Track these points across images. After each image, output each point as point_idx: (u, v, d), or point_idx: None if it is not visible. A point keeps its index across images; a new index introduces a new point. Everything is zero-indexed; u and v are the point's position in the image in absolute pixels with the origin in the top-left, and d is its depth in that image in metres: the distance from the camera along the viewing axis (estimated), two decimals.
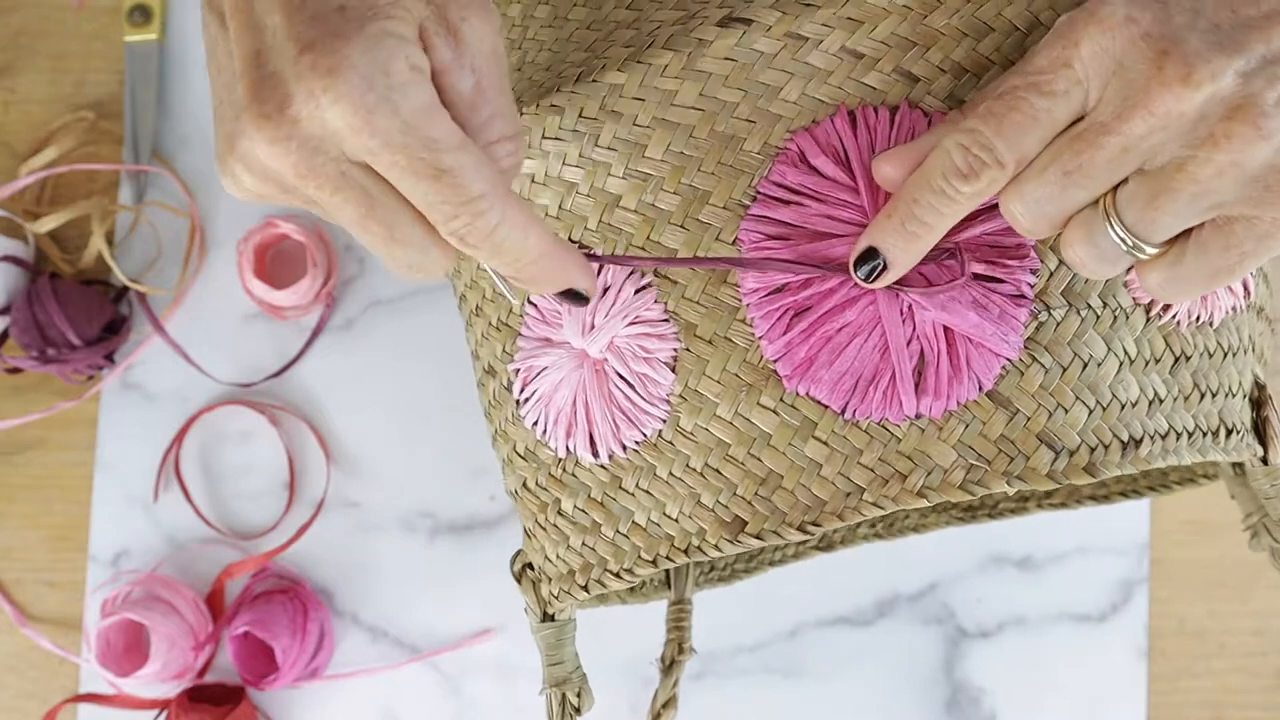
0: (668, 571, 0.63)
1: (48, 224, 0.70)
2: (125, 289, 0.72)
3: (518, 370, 0.47)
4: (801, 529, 0.41)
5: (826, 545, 0.66)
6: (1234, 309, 0.45)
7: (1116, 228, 0.37)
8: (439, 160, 0.34)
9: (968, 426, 0.40)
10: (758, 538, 0.42)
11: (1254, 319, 0.47)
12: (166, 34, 0.75)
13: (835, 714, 0.71)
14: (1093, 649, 0.71)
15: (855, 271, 0.39)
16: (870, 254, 0.39)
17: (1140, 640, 0.71)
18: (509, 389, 0.48)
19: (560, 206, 0.45)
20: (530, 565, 0.50)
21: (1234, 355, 0.45)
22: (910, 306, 0.40)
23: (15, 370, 0.71)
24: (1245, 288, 0.46)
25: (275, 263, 0.73)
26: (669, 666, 0.58)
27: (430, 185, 0.35)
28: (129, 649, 0.70)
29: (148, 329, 0.72)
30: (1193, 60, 0.34)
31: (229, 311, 0.73)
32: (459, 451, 0.71)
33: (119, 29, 0.75)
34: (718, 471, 0.42)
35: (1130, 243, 0.37)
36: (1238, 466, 0.49)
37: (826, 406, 0.41)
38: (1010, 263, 0.40)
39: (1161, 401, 0.42)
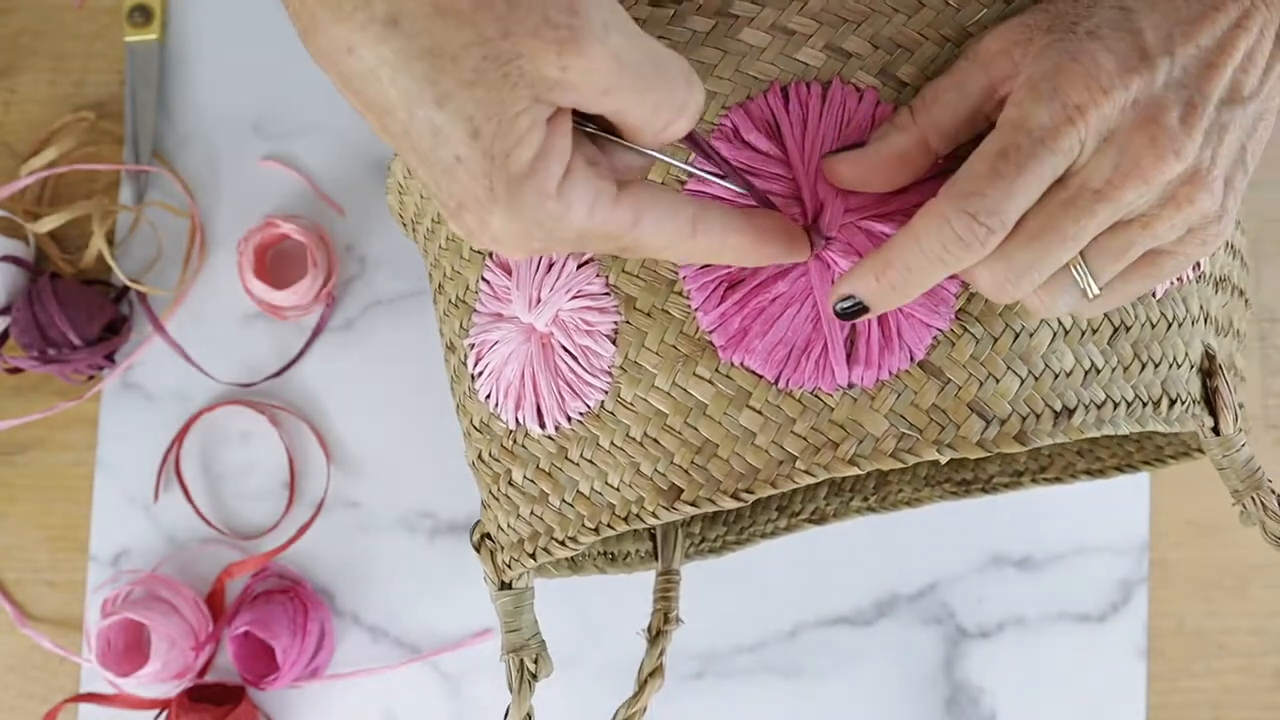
0: (655, 542, 0.64)
1: (48, 224, 0.70)
2: (125, 289, 0.72)
3: (472, 345, 0.48)
4: (735, 496, 0.42)
5: (819, 518, 0.67)
6: (1180, 279, 0.45)
7: (1086, 277, 0.38)
8: (620, 244, 0.36)
9: (899, 396, 0.40)
10: (693, 505, 0.43)
11: (1207, 290, 0.47)
12: (167, 34, 0.75)
13: (835, 714, 0.71)
14: (1093, 649, 0.71)
15: (834, 306, 0.39)
16: (850, 299, 0.39)
17: (1140, 640, 0.71)
18: (465, 363, 0.49)
19: None
20: (488, 535, 0.51)
21: (1179, 326, 0.45)
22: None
23: (15, 370, 0.71)
24: None
25: (275, 263, 0.73)
26: (655, 636, 0.58)
27: (621, 254, 0.37)
28: (129, 649, 0.70)
29: (148, 329, 0.72)
30: (1179, 136, 0.36)
31: (229, 311, 0.73)
32: (459, 451, 0.71)
33: (119, 29, 0.75)
34: (656, 441, 0.43)
35: (1095, 290, 0.39)
36: None
37: (760, 376, 0.41)
38: None
39: (1099, 371, 0.42)
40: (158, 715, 0.69)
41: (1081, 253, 0.38)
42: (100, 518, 0.72)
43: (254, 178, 0.73)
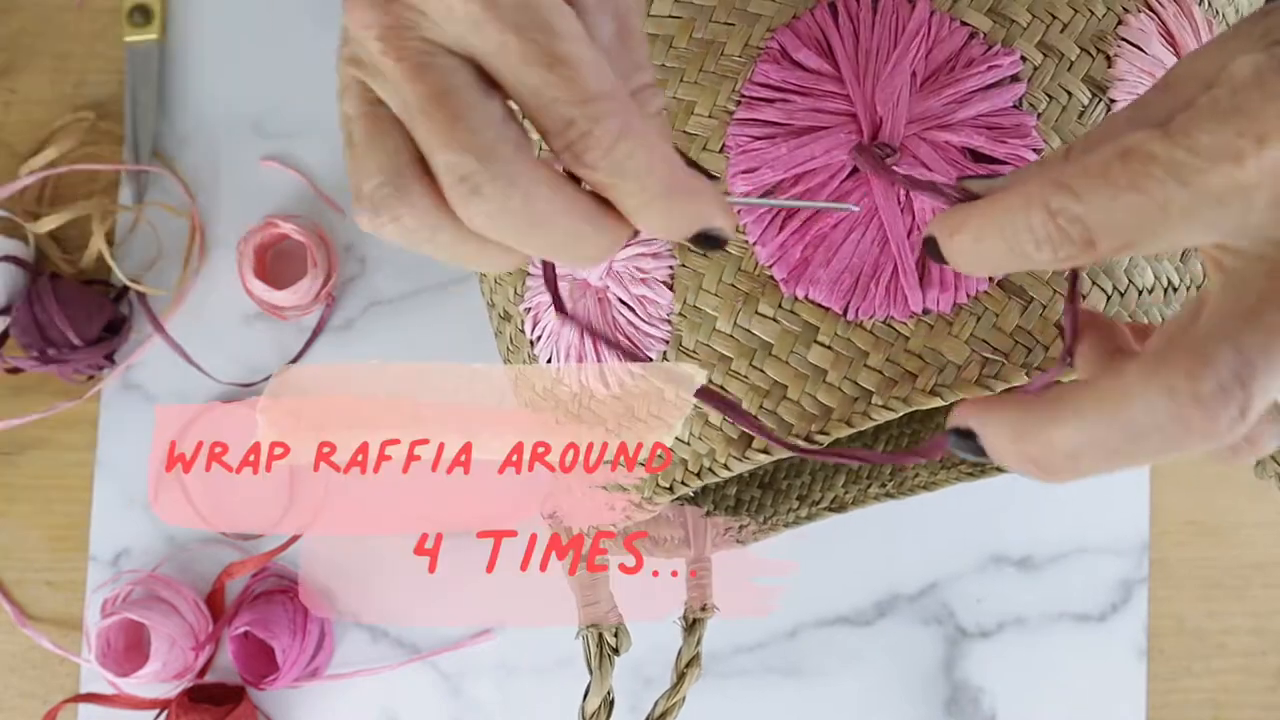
0: (686, 531, 0.63)
1: (48, 224, 0.70)
2: (125, 289, 0.72)
3: (529, 309, 0.47)
4: (809, 439, 0.39)
5: (838, 507, 0.66)
6: None
7: None
8: (555, 46, 0.28)
9: (979, 319, 0.38)
10: (765, 452, 0.40)
11: None
12: (167, 34, 0.75)
13: (835, 714, 0.71)
14: (1093, 649, 0.71)
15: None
16: (931, 244, 0.32)
17: (1140, 640, 0.71)
18: (523, 330, 0.47)
19: None
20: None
21: None
22: (909, 194, 0.38)
23: (15, 370, 0.71)
24: None
25: (275, 263, 0.73)
26: (691, 625, 0.57)
27: (544, 74, 0.28)
28: (129, 649, 0.70)
29: (148, 329, 0.72)
30: None
31: (229, 311, 0.73)
32: None
33: (119, 29, 0.75)
34: (722, 388, 0.41)
35: None
36: None
37: (827, 309, 0.39)
38: (1012, 141, 0.38)
39: (1175, 290, 0.40)
40: (158, 715, 0.69)
41: None
42: (100, 518, 0.72)
43: (254, 178, 0.73)
